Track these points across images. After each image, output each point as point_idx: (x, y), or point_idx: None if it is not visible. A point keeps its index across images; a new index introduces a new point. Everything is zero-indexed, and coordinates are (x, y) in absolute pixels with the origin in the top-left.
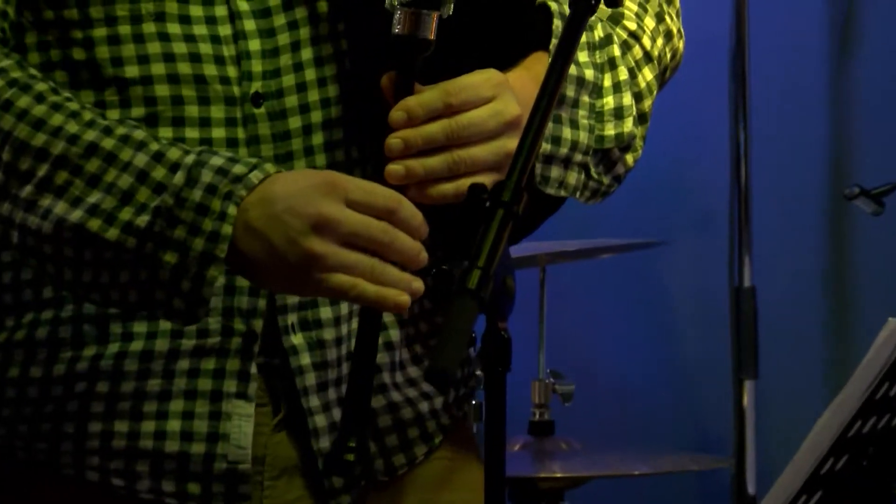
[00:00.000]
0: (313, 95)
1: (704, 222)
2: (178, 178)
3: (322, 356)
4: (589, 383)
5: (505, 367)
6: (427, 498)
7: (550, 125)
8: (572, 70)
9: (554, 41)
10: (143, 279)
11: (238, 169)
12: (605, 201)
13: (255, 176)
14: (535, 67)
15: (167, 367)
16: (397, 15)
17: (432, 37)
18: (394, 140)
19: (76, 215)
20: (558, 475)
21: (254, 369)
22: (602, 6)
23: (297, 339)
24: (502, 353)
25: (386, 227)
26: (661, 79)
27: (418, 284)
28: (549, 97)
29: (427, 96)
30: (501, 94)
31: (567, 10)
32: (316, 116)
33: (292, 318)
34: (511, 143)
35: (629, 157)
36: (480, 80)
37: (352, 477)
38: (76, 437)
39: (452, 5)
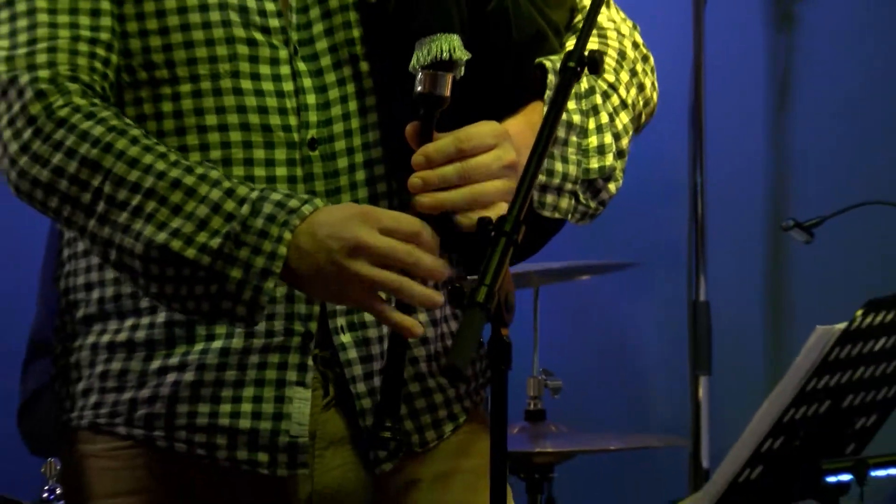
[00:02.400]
0: (357, 140)
1: (668, 248)
2: (245, 209)
3: (367, 351)
4: (574, 380)
5: (507, 365)
6: (452, 464)
7: (546, 160)
8: (563, 115)
9: (548, 93)
10: (213, 292)
11: (293, 203)
12: (586, 229)
13: (306, 208)
14: (532, 116)
15: (241, 361)
16: (419, 76)
17: (448, 94)
18: (415, 179)
19: (162, 237)
20: (549, 451)
21: (310, 362)
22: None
23: (345, 337)
24: (504, 355)
25: (411, 250)
26: (637, 122)
27: (438, 297)
28: (540, 155)
29: (443, 143)
30: (502, 142)
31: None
32: (358, 157)
33: (341, 321)
34: (510, 182)
35: (612, 186)
36: (486, 130)
37: (391, 449)
38: (167, 417)
39: (463, 68)
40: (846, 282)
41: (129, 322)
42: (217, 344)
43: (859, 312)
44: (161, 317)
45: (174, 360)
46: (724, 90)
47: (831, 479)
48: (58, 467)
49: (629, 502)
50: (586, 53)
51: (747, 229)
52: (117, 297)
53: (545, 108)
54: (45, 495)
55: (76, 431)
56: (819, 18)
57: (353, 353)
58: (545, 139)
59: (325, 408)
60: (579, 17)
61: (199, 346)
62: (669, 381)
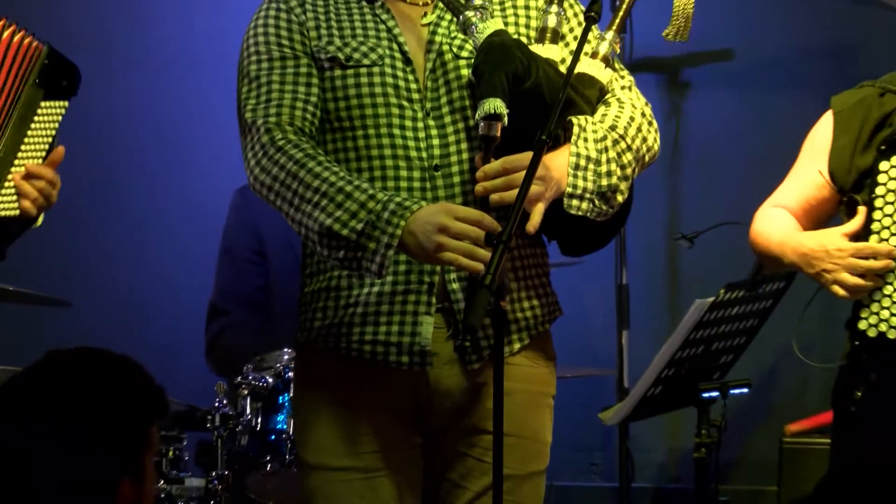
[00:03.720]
0: (462, 166)
1: (603, 249)
2: (379, 206)
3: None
4: None
5: (504, 323)
6: (516, 385)
7: (571, 179)
8: (586, 151)
9: (574, 140)
10: (359, 256)
11: (407, 203)
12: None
13: (414, 207)
14: (559, 157)
15: (391, 299)
16: (481, 124)
17: (498, 135)
18: (478, 187)
19: (328, 222)
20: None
21: (434, 301)
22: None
23: (454, 285)
24: (503, 317)
25: (471, 230)
26: (642, 161)
27: (480, 266)
28: (527, 183)
29: (494, 164)
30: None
31: (586, 123)
32: (457, 178)
33: (451, 276)
34: (538, 188)
35: (619, 197)
36: (524, 156)
37: (468, 353)
38: (346, 335)
39: (507, 118)
40: (714, 271)
41: (323, 276)
42: (376, 289)
43: (722, 291)
44: (343, 271)
45: (351, 300)
46: None
47: (705, 395)
48: (225, 387)
49: (579, 411)
50: (548, 132)
51: (652, 237)
52: (321, 261)
53: (533, 154)
54: (216, 404)
55: (302, 345)
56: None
57: (459, 295)
58: (528, 179)
59: (446, 340)
60: (610, 97)
61: (365, 290)
62: (603, 334)
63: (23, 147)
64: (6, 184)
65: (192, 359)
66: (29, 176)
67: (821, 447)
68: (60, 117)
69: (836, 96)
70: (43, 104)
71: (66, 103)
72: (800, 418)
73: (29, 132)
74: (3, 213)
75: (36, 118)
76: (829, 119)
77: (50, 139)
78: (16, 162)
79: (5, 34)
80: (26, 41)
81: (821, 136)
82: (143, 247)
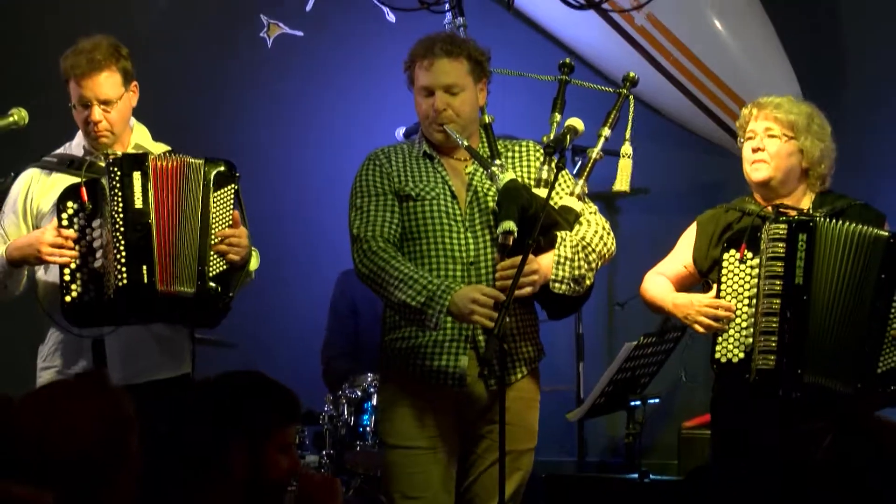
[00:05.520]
0: (488, 262)
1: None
2: (434, 287)
3: (490, 343)
4: None
5: (502, 360)
6: (516, 395)
7: (555, 270)
8: (565, 253)
9: (558, 246)
10: (421, 318)
11: (453, 286)
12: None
13: (457, 288)
14: (549, 256)
15: (441, 344)
16: (499, 238)
17: (510, 243)
18: (498, 282)
19: (402, 298)
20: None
21: (467, 345)
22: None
23: (480, 337)
24: (502, 355)
25: (491, 301)
26: (603, 259)
27: (490, 323)
28: (513, 286)
29: (506, 262)
30: (532, 263)
31: (566, 236)
32: (486, 269)
33: (479, 330)
34: (535, 277)
35: (587, 282)
36: (528, 259)
37: (487, 380)
38: (414, 364)
39: (517, 233)
40: (636, 324)
41: (400, 330)
42: (432, 338)
43: (641, 338)
44: (412, 326)
45: (418, 342)
46: None
47: (632, 403)
48: (330, 397)
49: (554, 412)
50: (530, 241)
51: (599, 303)
52: (394, 317)
53: (522, 258)
54: (325, 408)
55: (387, 369)
56: None
57: (482, 342)
58: (520, 270)
59: (477, 366)
60: (582, 219)
61: (425, 338)
62: (569, 363)
63: (212, 225)
64: (211, 252)
65: (312, 377)
66: (223, 240)
67: (704, 436)
68: (232, 197)
69: (700, 214)
70: (214, 195)
71: (234, 186)
72: (690, 418)
73: (211, 215)
74: (217, 270)
75: (213, 205)
76: (694, 227)
77: (229, 213)
78: (211, 234)
79: (191, 164)
80: (187, 160)
81: (688, 236)
82: (277, 308)
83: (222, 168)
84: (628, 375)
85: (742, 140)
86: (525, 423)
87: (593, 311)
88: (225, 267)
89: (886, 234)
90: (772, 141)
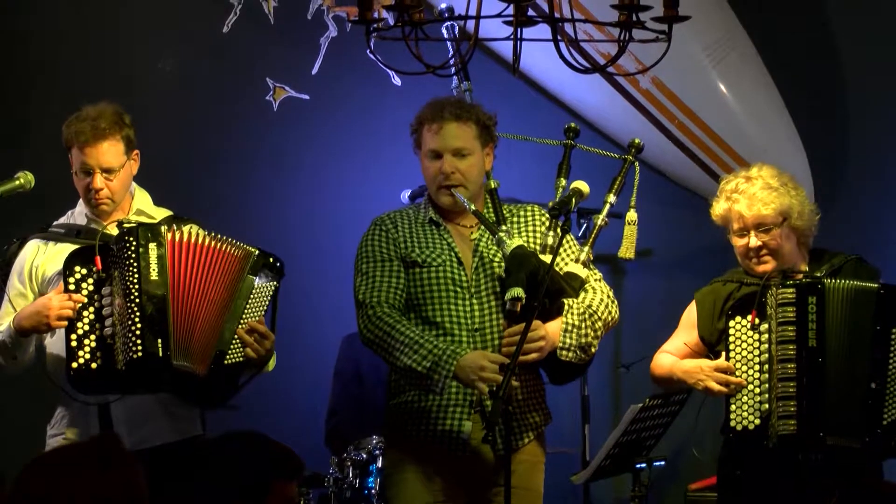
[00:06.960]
0: (493, 329)
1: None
2: (440, 352)
3: (493, 406)
4: None
5: (509, 420)
6: (522, 459)
7: (562, 338)
8: (572, 320)
9: (565, 313)
10: (427, 382)
11: (458, 351)
12: None
13: (462, 353)
14: (558, 322)
15: (446, 409)
16: (507, 305)
17: (518, 310)
18: (504, 347)
19: (408, 362)
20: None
21: (471, 410)
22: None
23: (487, 401)
24: (508, 415)
25: (495, 367)
26: (607, 326)
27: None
28: (516, 353)
29: (514, 328)
30: (539, 329)
31: (573, 303)
32: (490, 335)
33: (485, 395)
34: (542, 343)
35: (592, 349)
36: (535, 325)
37: (493, 446)
38: (418, 427)
39: (525, 299)
40: (642, 387)
41: (405, 394)
42: (437, 402)
43: (647, 399)
44: (417, 390)
45: (423, 406)
46: None
47: (638, 465)
48: (335, 460)
49: (559, 474)
50: (535, 303)
51: (604, 366)
52: (399, 381)
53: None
54: (330, 471)
55: (391, 433)
56: None
57: (489, 406)
58: (524, 335)
59: (482, 430)
60: (588, 286)
61: (430, 402)
62: (574, 426)
63: (244, 313)
64: (234, 338)
65: (317, 441)
66: (250, 331)
67: (710, 498)
68: (271, 293)
69: (697, 291)
70: (256, 285)
71: (276, 284)
72: (697, 480)
73: (247, 304)
74: (234, 360)
75: (252, 294)
76: (694, 305)
77: (264, 308)
78: (242, 321)
79: (226, 248)
80: (239, 252)
81: (689, 314)
82: (281, 371)
83: (271, 261)
84: (634, 438)
85: (729, 233)
86: (531, 485)
87: (599, 374)
88: (241, 359)
89: (875, 286)
90: (768, 234)
